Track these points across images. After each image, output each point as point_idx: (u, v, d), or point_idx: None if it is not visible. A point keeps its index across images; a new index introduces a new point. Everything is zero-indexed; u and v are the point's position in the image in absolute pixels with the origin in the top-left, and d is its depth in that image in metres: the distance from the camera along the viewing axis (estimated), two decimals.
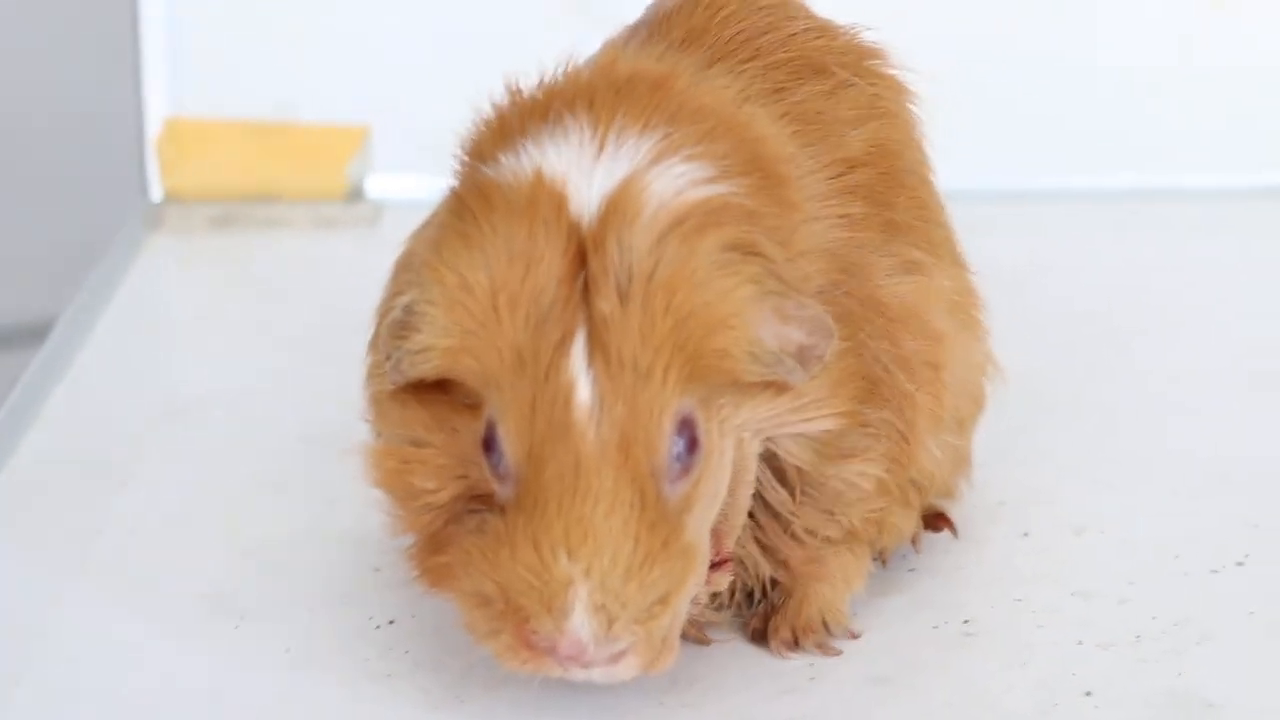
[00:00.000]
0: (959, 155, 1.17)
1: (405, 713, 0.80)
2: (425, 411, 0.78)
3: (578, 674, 0.75)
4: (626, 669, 0.75)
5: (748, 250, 0.77)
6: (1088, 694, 0.82)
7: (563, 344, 0.74)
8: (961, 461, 0.92)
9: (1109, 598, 0.88)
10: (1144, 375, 1.08)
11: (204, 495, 0.96)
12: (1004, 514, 0.95)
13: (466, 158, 0.82)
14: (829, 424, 0.79)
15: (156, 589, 0.88)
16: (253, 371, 1.08)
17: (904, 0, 1.27)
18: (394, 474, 0.78)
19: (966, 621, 0.87)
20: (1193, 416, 1.04)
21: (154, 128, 1.32)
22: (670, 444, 0.75)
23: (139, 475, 0.98)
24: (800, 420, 0.79)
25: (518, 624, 0.74)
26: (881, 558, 0.89)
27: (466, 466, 0.77)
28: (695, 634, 0.84)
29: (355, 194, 1.31)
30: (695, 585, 0.76)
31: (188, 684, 0.83)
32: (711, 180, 0.77)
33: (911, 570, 0.90)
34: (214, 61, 1.32)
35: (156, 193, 1.31)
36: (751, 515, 0.82)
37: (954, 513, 0.93)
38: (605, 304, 0.74)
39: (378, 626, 0.85)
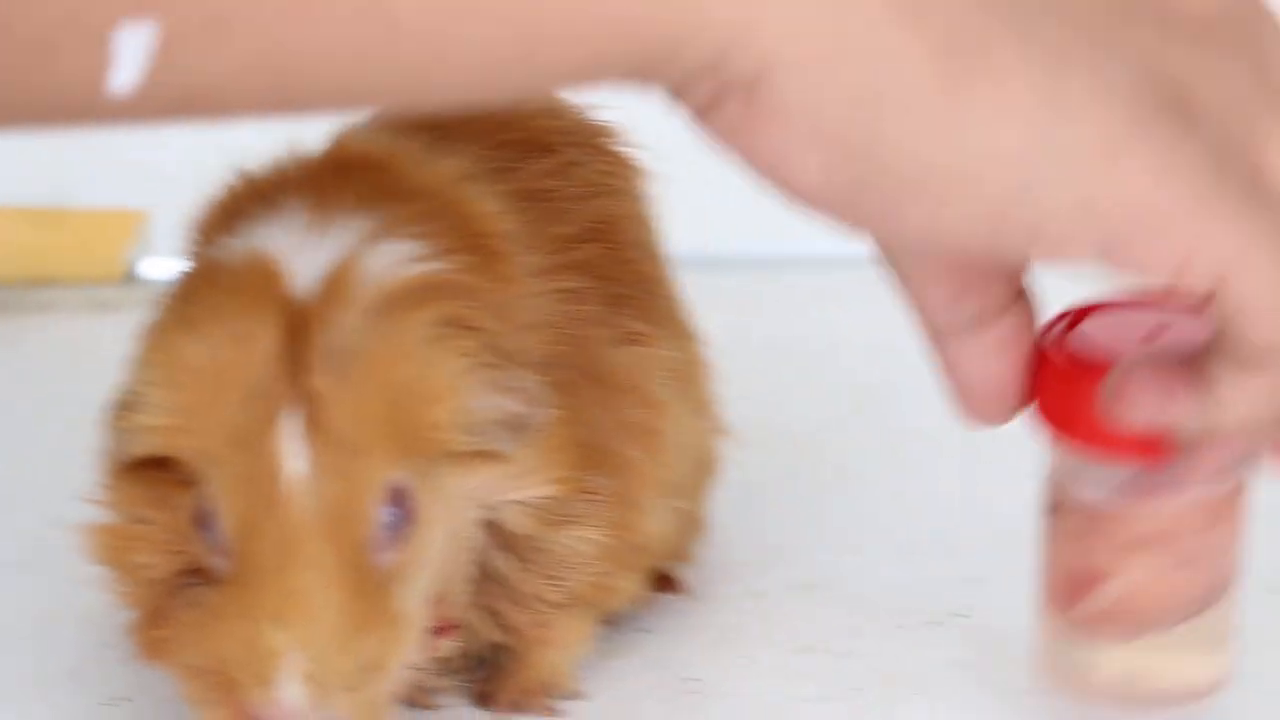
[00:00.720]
0: (695, 224, 1.21)
1: None
2: (146, 489, 0.79)
3: None
4: None
5: (462, 324, 0.79)
6: None
7: (276, 420, 0.76)
8: (694, 525, 0.95)
9: (832, 653, 0.91)
10: (886, 435, 1.11)
11: None
12: (739, 573, 0.97)
13: (195, 239, 0.85)
14: (546, 491, 0.82)
15: None
16: (17, 453, 1.09)
17: None
18: (115, 551, 0.80)
19: (691, 680, 0.89)
20: (931, 474, 1.06)
21: None
22: (380, 515, 0.77)
23: None
24: (518, 488, 0.82)
25: (232, 695, 0.76)
26: (611, 620, 0.91)
27: (185, 542, 0.79)
28: (420, 699, 0.86)
29: (131, 277, 1.33)
30: (408, 652, 0.78)
31: None
32: (427, 257, 0.80)
33: (643, 631, 0.92)
34: None
35: None
36: (476, 581, 0.84)
37: (689, 574, 0.96)
38: (319, 380, 0.77)
39: (111, 703, 0.86)
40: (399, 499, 0.78)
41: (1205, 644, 0.83)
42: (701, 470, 0.93)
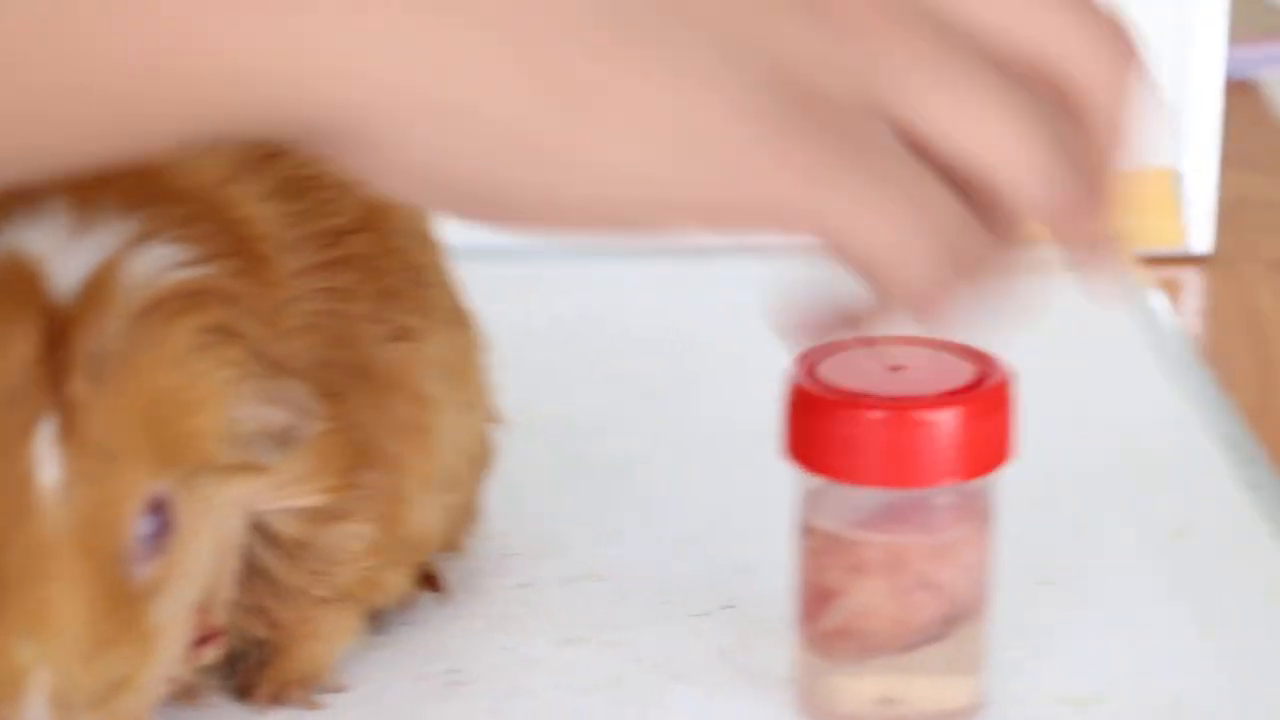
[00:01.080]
0: None
1: None
2: None
3: None
4: None
5: (227, 332, 0.79)
6: None
7: (30, 427, 0.75)
8: (466, 516, 0.96)
9: (596, 643, 0.92)
10: (663, 425, 1.12)
11: None
12: (509, 565, 0.98)
13: None
14: (313, 500, 0.82)
15: None
16: None
17: None
18: None
19: (452, 671, 0.90)
20: (704, 466, 1.08)
21: None
22: (136, 526, 0.76)
23: None
24: (285, 497, 0.82)
25: None
26: (375, 617, 0.91)
27: None
28: (182, 695, 0.85)
29: None
30: (161, 667, 0.77)
31: None
32: (192, 263, 0.79)
33: (408, 624, 0.93)
34: None
35: None
36: (241, 578, 0.84)
37: (459, 565, 0.97)
38: (77, 386, 0.75)
39: None
40: (158, 509, 0.77)
41: (954, 668, 0.86)
42: (474, 463, 0.94)
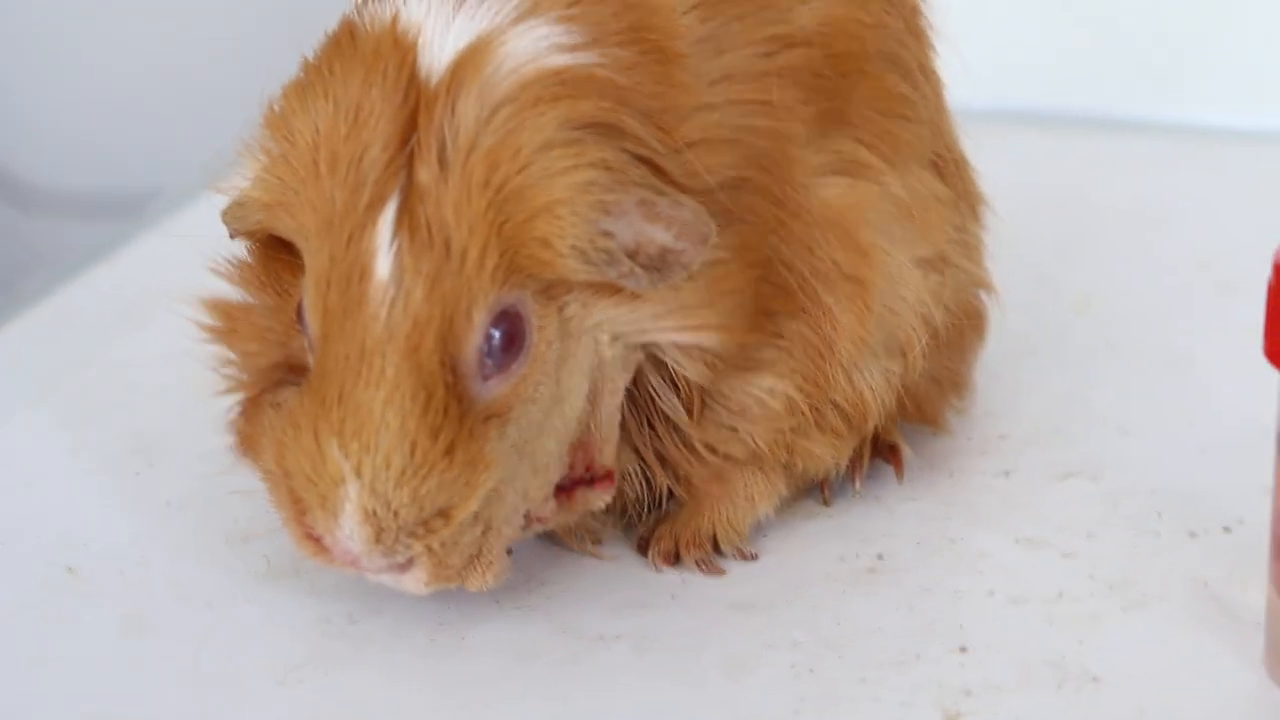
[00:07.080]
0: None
1: (233, 578, 0.76)
2: (260, 268, 0.70)
3: (369, 577, 0.68)
4: (414, 582, 0.67)
5: (606, 131, 0.66)
6: (961, 649, 0.71)
7: (373, 210, 0.66)
8: (946, 389, 0.82)
9: (1055, 549, 0.77)
10: (1217, 323, 0.95)
11: None
12: (995, 450, 0.84)
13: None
14: (703, 339, 0.69)
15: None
16: None
17: None
18: (218, 330, 0.71)
19: (879, 557, 0.76)
20: (1248, 370, 0.89)
21: None
22: (480, 337, 0.66)
23: None
24: (671, 329, 0.69)
25: (299, 515, 0.67)
26: (823, 492, 0.79)
27: (290, 333, 0.69)
28: (579, 545, 0.76)
29: None
30: (494, 502, 0.67)
31: None
32: (577, 48, 0.67)
33: (848, 499, 0.80)
34: None
35: None
36: (651, 426, 0.73)
37: (937, 443, 0.83)
38: (425, 171, 0.65)
39: None
40: (507, 322, 0.66)
41: None
42: (933, 330, 0.77)
